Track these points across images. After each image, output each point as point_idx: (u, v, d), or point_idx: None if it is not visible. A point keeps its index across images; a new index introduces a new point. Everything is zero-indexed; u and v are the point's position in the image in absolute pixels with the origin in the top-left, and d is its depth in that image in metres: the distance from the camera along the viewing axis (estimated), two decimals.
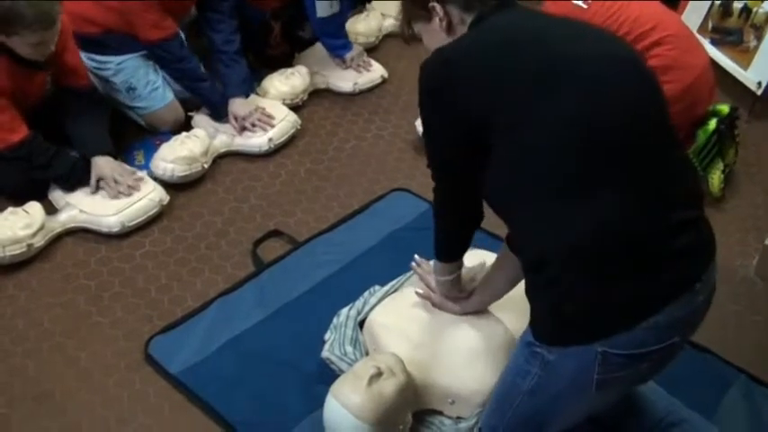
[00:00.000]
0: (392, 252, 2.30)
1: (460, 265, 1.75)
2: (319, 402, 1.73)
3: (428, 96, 1.42)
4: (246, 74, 2.82)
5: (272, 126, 2.76)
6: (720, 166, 2.64)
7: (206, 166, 2.61)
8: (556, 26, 1.43)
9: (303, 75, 3.00)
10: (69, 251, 2.33)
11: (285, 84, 2.95)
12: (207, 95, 2.76)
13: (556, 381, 1.39)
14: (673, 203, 1.32)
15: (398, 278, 2.09)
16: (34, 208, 2.30)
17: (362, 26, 3.35)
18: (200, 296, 2.19)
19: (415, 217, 2.49)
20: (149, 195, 2.42)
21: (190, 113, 2.83)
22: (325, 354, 1.92)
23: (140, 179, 2.45)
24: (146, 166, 2.60)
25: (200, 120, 2.80)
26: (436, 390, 1.80)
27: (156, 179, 2.52)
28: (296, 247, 2.37)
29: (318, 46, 3.18)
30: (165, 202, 2.45)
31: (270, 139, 2.74)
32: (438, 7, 1.47)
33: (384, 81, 3.19)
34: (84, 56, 2.60)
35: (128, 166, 2.51)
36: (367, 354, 1.91)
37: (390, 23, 3.44)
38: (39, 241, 2.26)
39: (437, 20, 1.48)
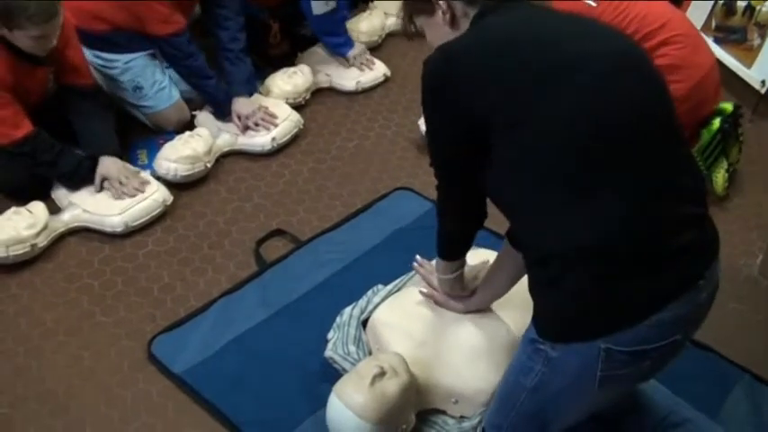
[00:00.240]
0: (395, 251, 2.29)
1: (463, 263, 1.75)
2: (322, 402, 1.73)
3: (430, 94, 1.41)
4: (251, 72, 2.82)
5: (275, 125, 2.76)
6: (724, 165, 2.63)
7: (209, 165, 2.61)
8: (562, 23, 1.42)
9: (306, 74, 3.00)
10: (72, 250, 2.33)
11: (288, 83, 2.95)
12: (212, 93, 2.76)
13: (559, 377, 1.38)
14: (676, 201, 1.32)
15: (401, 277, 2.09)
16: (38, 208, 2.30)
17: (365, 25, 3.35)
18: (204, 295, 2.19)
19: (418, 216, 2.49)
20: (153, 196, 2.42)
21: (193, 113, 2.83)
22: (328, 353, 1.92)
23: (146, 182, 2.45)
24: (149, 166, 2.61)
25: (204, 119, 2.80)
26: (439, 389, 1.80)
27: (159, 178, 2.52)
28: (299, 246, 2.37)
29: (321, 44, 3.18)
30: (168, 203, 2.45)
31: (273, 139, 2.74)
32: (441, 0, 1.46)
33: (387, 79, 3.19)
34: (91, 54, 2.60)
35: (133, 168, 2.51)
36: (370, 353, 1.91)
37: (393, 22, 3.44)
38: (42, 241, 2.26)
39: (440, 13, 1.47)
